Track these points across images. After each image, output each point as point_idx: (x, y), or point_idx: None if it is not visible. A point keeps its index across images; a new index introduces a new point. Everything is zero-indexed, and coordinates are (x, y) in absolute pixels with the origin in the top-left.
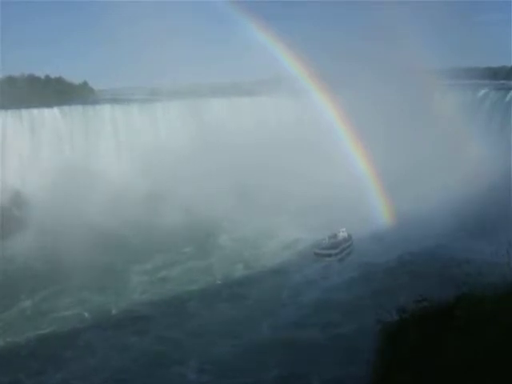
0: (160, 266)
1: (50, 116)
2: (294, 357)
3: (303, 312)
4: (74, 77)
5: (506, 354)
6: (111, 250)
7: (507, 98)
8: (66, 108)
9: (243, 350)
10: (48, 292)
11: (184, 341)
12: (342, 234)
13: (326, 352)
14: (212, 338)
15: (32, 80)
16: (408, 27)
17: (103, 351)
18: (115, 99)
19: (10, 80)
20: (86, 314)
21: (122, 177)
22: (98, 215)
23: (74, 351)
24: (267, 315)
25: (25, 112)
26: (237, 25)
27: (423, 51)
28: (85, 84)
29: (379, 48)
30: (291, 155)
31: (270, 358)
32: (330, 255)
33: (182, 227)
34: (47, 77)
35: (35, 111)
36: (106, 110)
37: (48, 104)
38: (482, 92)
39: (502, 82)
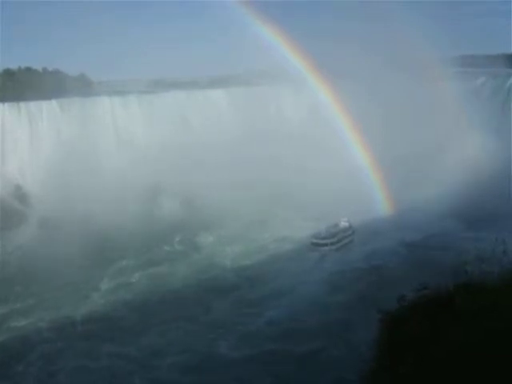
0: (145, 263)
1: (49, 109)
2: (285, 367)
3: (288, 312)
4: (71, 69)
5: (505, 342)
6: (103, 246)
7: (506, 86)
8: (64, 100)
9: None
10: (27, 293)
11: (140, 359)
12: (343, 223)
13: (324, 348)
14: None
15: (29, 73)
16: (406, 20)
17: (55, 367)
18: (114, 91)
19: (8, 73)
20: (51, 323)
21: (121, 169)
22: (97, 207)
23: (26, 365)
24: (250, 315)
25: (23, 105)
26: (236, 17)
27: (421, 41)
28: (82, 76)
29: (377, 39)
30: (290, 147)
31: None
32: (326, 245)
33: (178, 220)
34: (45, 69)
35: (33, 104)
36: (104, 103)
37: (46, 96)
38: (481, 79)
39: (501, 69)
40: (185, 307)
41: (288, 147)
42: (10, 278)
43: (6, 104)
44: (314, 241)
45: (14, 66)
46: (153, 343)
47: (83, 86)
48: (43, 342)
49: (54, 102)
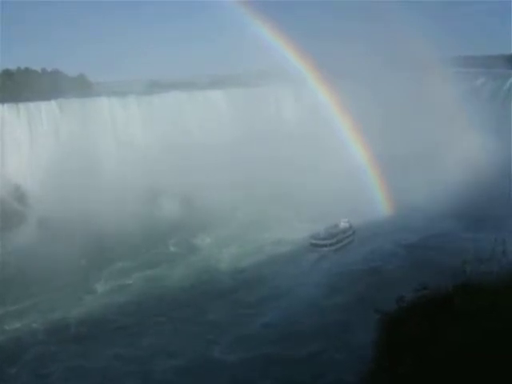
0: (143, 264)
1: (48, 109)
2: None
3: (286, 314)
4: (70, 70)
5: (503, 343)
6: (102, 246)
7: (506, 86)
8: (63, 101)
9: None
10: (26, 294)
11: (135, 362)
12: (344, 224)
13: (323, 350)
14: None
15: (28, 73)
16: (406, 20)
17: (49, 370)
18: (113, 92)
19: (7, 73)
20: (47, 324)
21: (120, 169)
22: (96, 208)
23: (20, 368)
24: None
25: (22, 105)
26: (236, 17)
27: (421, 41)
28: (82, 77)
29: (378, 39)
30: (290, 147)
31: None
32: (325, 245)
33: (177, 221)
34: (44, 70)
35: (32, 104)
36: (103, 103)
37: (45, 97)
38: (481, 79)
39: (501, 69)
40: (181, 309)
41: (288, 147)
42: (10, 278)
43: (6, 105)
44: (313, 241)
45: (13, 67)
46: (148, 346)
47: (82, 87)
48: (38, 343)
49: (53, 103)
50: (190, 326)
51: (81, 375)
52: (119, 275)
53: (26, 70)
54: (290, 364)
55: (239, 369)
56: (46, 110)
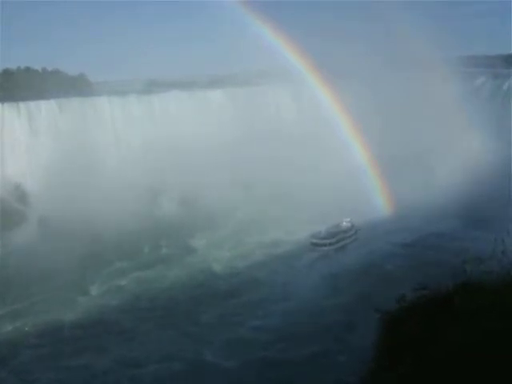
0: (141, 264)
1: (48, 108)
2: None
3: (285, 314)
4: (71, 69)
5: (503, 343)
6: (102, 246)
7: (506, 86)
8: (63, 100)
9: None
10: (25, 295)
11: (128, 365)
12: (346, 224)
13: (323, 350)
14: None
15: (29, 72)
16: (406, 20)
17: (40, 372)
18: (113, 91)
19: (7, 73)
20: (39, 326)
21: (120, 169)
22: (96, 207)
23: (9, 371)
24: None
25: (22, 105)
26: (236, 17)
27: (421, 41)
28: (82, 76)
29: (378, 39)
30: (290, 147)
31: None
32: (325, 245)
33: (178, 221)
34: (44, 69)
35: (32, 104)
36: (103, 103)
37: (45, 96)
38: (481, 79)
39: (500, 69)
40: (178, 311)
41: (288, 147)
42: (9, 278)
43: (6, 104)
44: (314, 241)
45: (13, 66)
46: (142, 348)
47: (82, 86)
48: (31, 346)
49: (53, 102)
50: (186, 327)
51: (73, 377)
52: (117, 276)
53: (27, 69)
54: (289, 365)
55: (236, 371)
56: (46, 109)
